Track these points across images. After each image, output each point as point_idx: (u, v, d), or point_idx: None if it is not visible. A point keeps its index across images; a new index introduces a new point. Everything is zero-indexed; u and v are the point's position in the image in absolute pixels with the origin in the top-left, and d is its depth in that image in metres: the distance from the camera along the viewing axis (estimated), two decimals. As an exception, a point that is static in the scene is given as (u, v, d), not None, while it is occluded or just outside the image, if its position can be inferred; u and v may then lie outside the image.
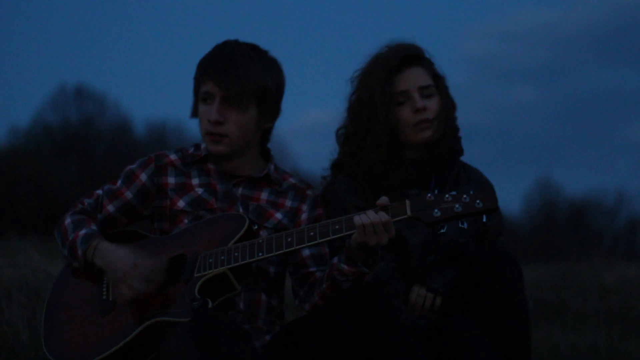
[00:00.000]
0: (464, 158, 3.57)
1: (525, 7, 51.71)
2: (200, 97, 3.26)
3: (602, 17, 47.06)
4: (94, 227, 3.23)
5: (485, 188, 3.49)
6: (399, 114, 3.39)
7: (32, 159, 25.78)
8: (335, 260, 3.10)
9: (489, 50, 48.19)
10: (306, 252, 3.24)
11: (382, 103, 3.37)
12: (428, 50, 3.49)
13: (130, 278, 3.05)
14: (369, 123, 3.39)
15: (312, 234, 2.99)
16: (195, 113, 3.31)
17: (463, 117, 3.54)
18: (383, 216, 2.93)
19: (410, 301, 3.35)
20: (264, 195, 3.31)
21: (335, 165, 3.50)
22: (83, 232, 3.19)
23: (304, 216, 3.31)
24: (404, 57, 3.41)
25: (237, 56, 3.21)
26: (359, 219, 2.93)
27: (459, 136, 3.52)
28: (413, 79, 3.40)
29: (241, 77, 3.18)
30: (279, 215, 3.29)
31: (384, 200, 2.96)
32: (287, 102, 3.37)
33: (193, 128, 3.37)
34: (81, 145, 29.46)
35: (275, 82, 3.27)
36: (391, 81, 3.38)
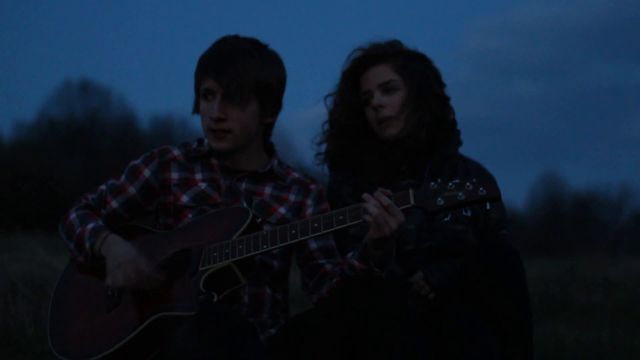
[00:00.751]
0: (467, 152, 3.58)
1: (527, 2, 51.70)
2: (201, 94, 3.26)
3: (604, 12, 47.04)
4: (100, 222, 3.24)
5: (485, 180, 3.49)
6: (367, 114, 3.50)
7: (37, 153, 25.82)
8: (349, 255, 3.10)
9: (491, 45, 48.22)
10: (313, 245, 3.25)
11: (347, 104, 3.50)
12: (402, 43, 3.55)
13: (124, 268, 3.05)
14: (344, 124, 3.50)
15: (316, 225, 2.98)
16: (196, 109, 3.31)
17: (465, 112, 3.57)
18: (385, 200, 2.92)
19: (410, 283, 3.36)
20: (268, 190, 3.31)
21: (330, 164, 3.57)
22: (91, 226, 3.20)
23: (309, 211, 3.31)
24: (363, 58, 3.50)
25: (236, 52, 3.21)
26: (369, 215, 2.91)
27: (458, 130, 3.54)
28: (374, 77, 3.48)
29: (241, 74, 3.18)
30: (282, 210, 3.29)
31: (386, 191, 2.96)
32: (293, 96, 3.40)
33: (198, 122, 3.39)
34: (86, 140, 29.50)
35: (275, 76, 3.26)
36: (356, 84, 3.51)
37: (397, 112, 3.44)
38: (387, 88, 3.46)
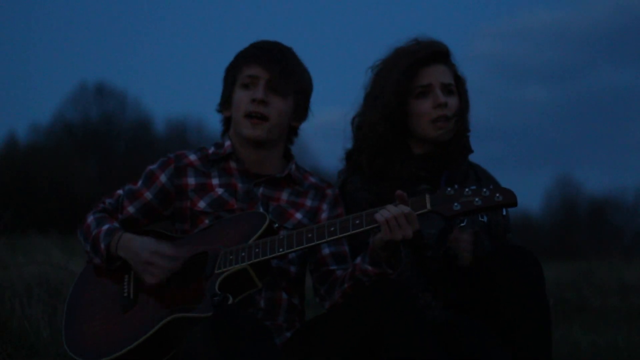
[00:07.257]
0: (477, 157, 3.58)
1: (536, 6, 51.64)
2: (241, 83, 3.28)
3: (612, 16, 46.89)
4: (116, 223, 3.25)
5: None
6: (418, 106, 3.43)
7: (53, 156, 25.90)
8: (358, 260, 3.10)
9: (500, 50, 48.11)
10: (326, 251, 3.25)
11: (398, 93, 3.41)
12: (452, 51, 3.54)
13: (152, 264, 3.08)
14: (382, 111, 3.43)
15: (332, 229, 2.99)
16: (225, 105, 3.34)
17: (475, 116, 3.58)
18: (404, 208, 2.93)
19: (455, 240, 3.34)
20: (284, 196, 3.32)
21: (348, 157, 3.53)
22: (106, 227, 3.21)
23: (324, 215, 3.31)
24: (434, 52, 3.45)
25: (283, 48, 3.32)
26: (381, 215, 2.93)
27: (468, 135, 3.53)
28: (438, 74, 3.44)
29: (289, 64, 3.27)
30: (298, 216, 3.29)
31: (403, 194, 2.96)
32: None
33: (213, 126, 3.40)
34: (102, 143, 29.57)
35: (308, 84, 3.36)
36: (415, 73, 3.43)
37: (453, 115, 3.44)
38: (447, 90, 3.45)
